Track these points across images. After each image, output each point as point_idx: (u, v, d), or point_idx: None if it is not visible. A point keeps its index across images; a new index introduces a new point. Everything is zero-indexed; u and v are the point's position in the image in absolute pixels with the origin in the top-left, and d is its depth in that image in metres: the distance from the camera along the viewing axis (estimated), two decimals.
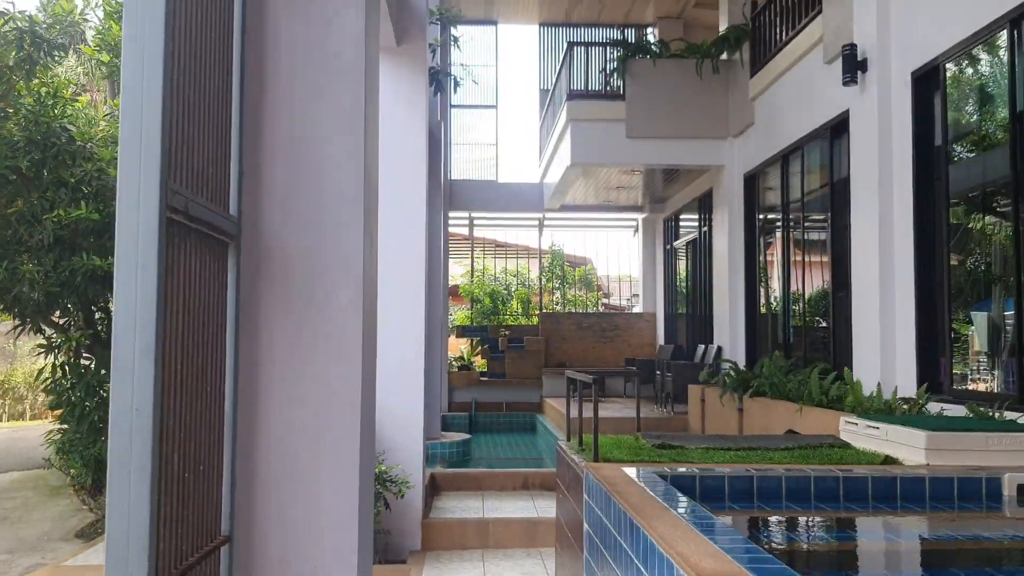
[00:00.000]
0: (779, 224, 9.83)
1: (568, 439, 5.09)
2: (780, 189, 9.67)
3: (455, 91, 11.49)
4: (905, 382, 6.39)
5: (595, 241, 17.82)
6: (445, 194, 15.12)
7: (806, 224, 9.05)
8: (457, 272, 17.96)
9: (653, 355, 15.80)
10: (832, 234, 8.16)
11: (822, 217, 8.68)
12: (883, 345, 6.77)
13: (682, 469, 3.47)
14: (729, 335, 11.05)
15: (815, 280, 8.97)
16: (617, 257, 18.02)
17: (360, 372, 2.70)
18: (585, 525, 3.58)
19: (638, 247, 16.90)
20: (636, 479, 3.25)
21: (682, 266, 14.60)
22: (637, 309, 16.76)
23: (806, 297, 9.05)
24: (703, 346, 12.10)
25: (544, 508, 7.02)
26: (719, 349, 11.39)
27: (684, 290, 14.33)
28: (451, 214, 16.09)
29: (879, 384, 6.35)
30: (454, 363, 16.01)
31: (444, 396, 15.08)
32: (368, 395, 2.87)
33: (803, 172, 8.99)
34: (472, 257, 17.59)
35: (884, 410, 5.76)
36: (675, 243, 14.71)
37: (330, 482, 2.66)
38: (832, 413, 6.45)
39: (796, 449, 3.90)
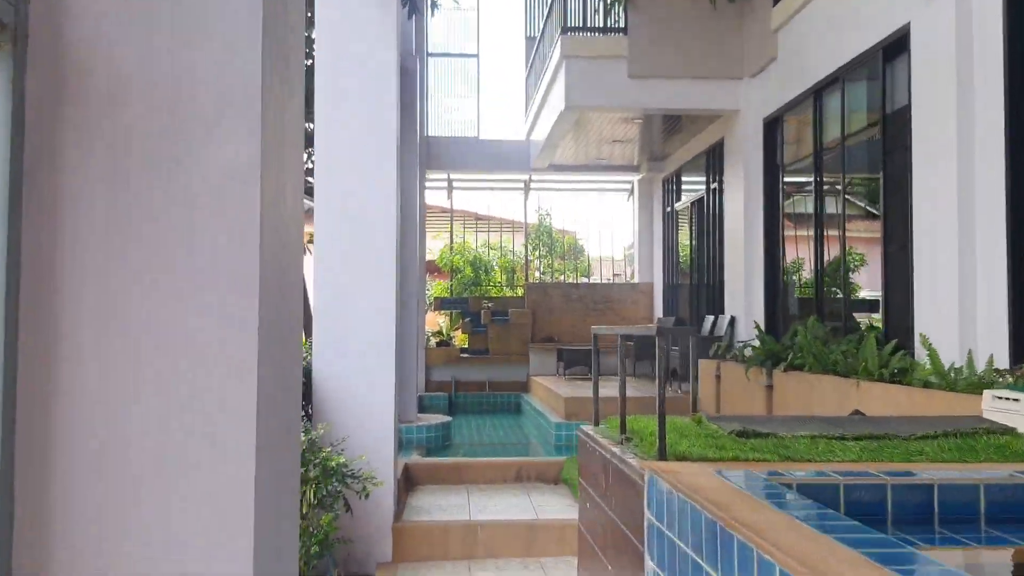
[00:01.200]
0: (809, 174, 8.62)
1: (596, 423, 3.83)
2: (811, 132, 8.45)
3: (432, 13, 10.12)
4: (993, 351, 5.21)
5: (586, 208, 16.57)
6: (421, 152, 13.80)
7: (847, 171, 7.84)
8: (435, 247, 16.66)
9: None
10: (885, 181, 6.95)
11: (868, 162, 7.47)
12: (961, 308, 5.58)
13: (802, 473, 2.24)
14: (744, 304, 9.86)
15: (858, 237, 7.77)
16: (611, 230, 16.79)
17: (256, 295, 1.43)
18: (649, 560, 2.34)
19: (633, 212, 15.67)
20: (742, 487, 2.02)
21: (685, 230, 13.39)
22: (632, 279, 15.55)
23: (845, 257, 7.86)
24: (712, 317, 10.91)
25: (543, 505, 5.80)
26: (732, 320, 10.21)
27: (687, 257, 13.13)
28: (428, 175, 14.76)
29: (969, 352, 5.16)
30: (431, 338, 14.75)
31: (420, 375, 13.83)
32: (276, 339, 1.60)
33: (843, 109, 7.77)
34: (451, 230, 16.27)
35: (982, 383, 4.57)
36: (676, 205, 13.50)
37: (197, 490, 1.41)
38: (904, 389, 5.26)
39: (949, 438, 2.68)
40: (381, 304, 5.29)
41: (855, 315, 7.81)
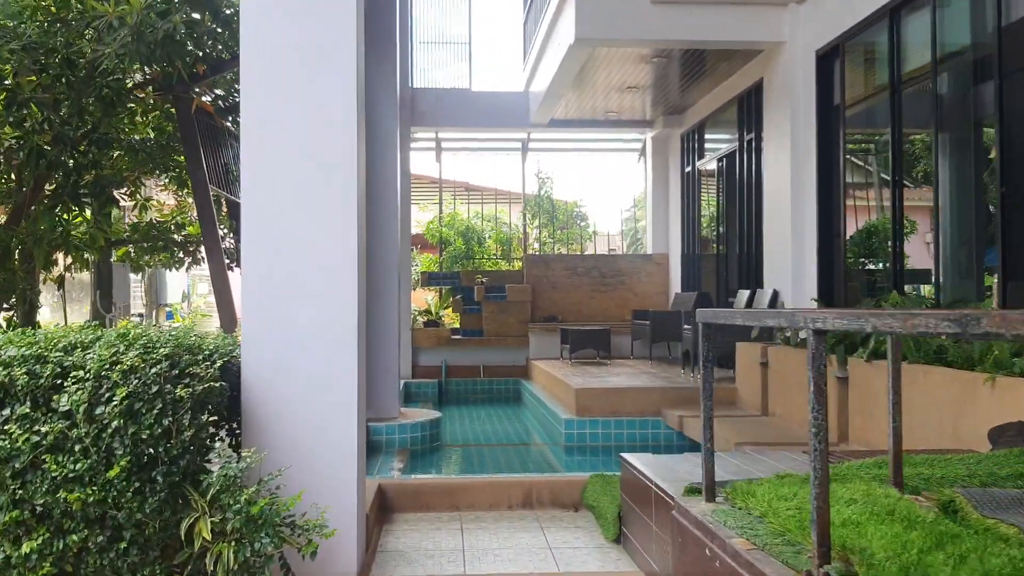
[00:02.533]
0: (883, 114, 7.10)
1: (707, 496, 2.35)
2: (886, 62, 6.93)
3: None
4: None
5: (591, 171, 15.01)
6: (405, 105, 12.24)
7: (941, 105, 6.33)
8: (423, 219, 15.10)
9: (665, 305, 13.16)
10: (1002, 114, 5.44)
11: (973, 90, 5.96)
12: None
13: None
14: (791, 275, 8.38)
15: (958, 187, 6.28)
16: (618, 196, 15.25)
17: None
18: None
19: (645, 174, 14.14)
20: None
21: (709, 193, 11.88)
22: (645, 250, 14.04)
23: (939, 213, 6.37)
24: (747, 292, 9.43)
25: (564, 547, 4.33)
26: (775, 295, 8.73)
27: (712, 224, 11.63)
28: (415, 134, 13.20)
29: None
30: (418, 318, 13.25)
31: (406, 359, 12.35)
32: None
33: (934, 27, 6.24)
34: (440, 198, 14.70)
35: None
36: (699, 164, 11.96)
37: None
38: None
39: None
40: (337, 272, 3.79)
41: (956, 288, 6.34)
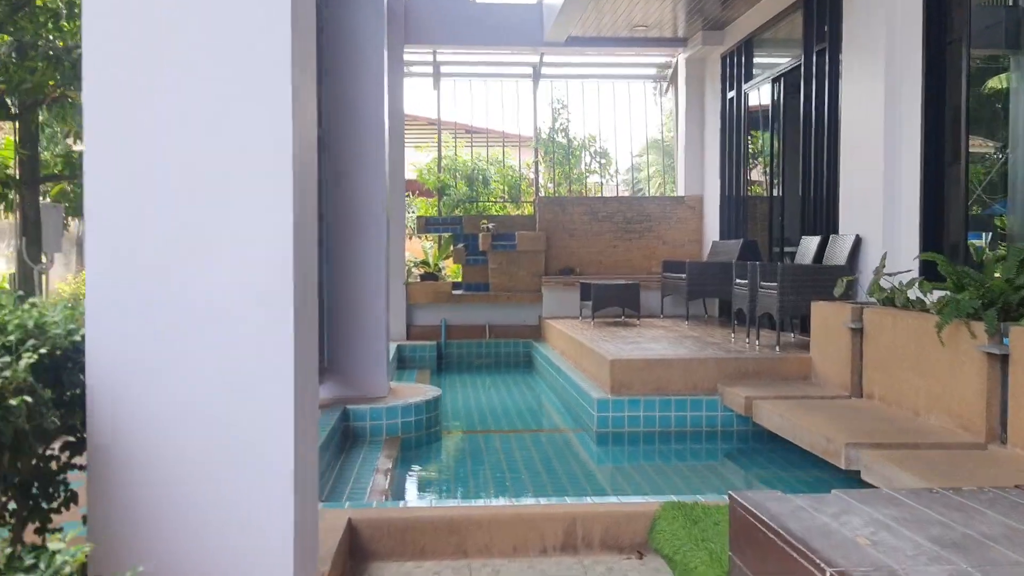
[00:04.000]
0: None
1: None
2: None
3: None
4: None
5: (613, 101, 13.26)
6: (395, 18, 10.49)
7: None
8: (422, 162, 13.37)
9: (699, 255, 11.56)
10: None
11: None
12: None
13: None
14: (883, 219, 6.77)
15: None
16: (643, 129, 13.56)
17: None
18: None
19: (677, 103, 12.42)
20: None
21: (758, 121, 10.19)
22: (678, 192, 12.38)
23: None
24: (815, 239, 7.81)
25: None
26: (857, 242, 7.12)
27: (763, 158, 9.97)
28: (408, 51, 11.45)
29: None
30: (414, 270, 11.66)
31: (399, 319, 10.80)
32: None
33: None
34: (439, 136, 12.98)
35: None
36: (746, 86, 10.24)
37: None
38: None
39: None
40: (259, 214, 2.18)
41: None
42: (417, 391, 6.67)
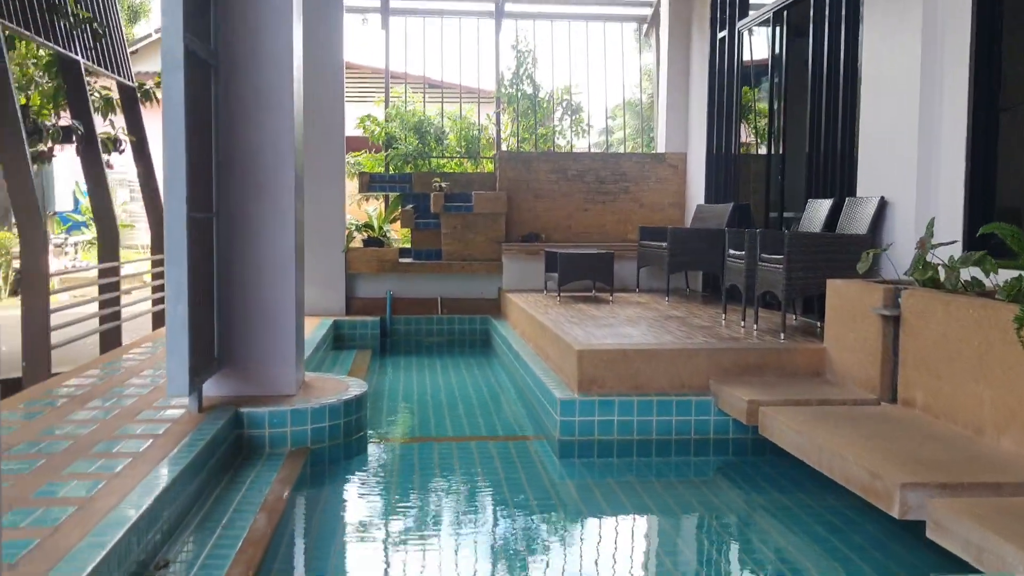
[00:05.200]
0: None
1: None
2: None
3: None
4: None
5: (584, 47, 11.92)
6: None
7: None
8: (374, 115, 11.93)
9: (681, 220, 10.37)
10: None
11: None
12: None
13: None
14: (916, 180, 5.60)
15: None
16: (620, 79, 12.25)
17: None
18: None
19: (657, 48, 11.13)
20: None
21: (756, 66, 8.95)
22: (658, 148, 11.13)
23: None
24: (827, 202, 6.63)
25: None
26: (882, 205, 5.94)
27: (762, 108, 8.76)
28: None
29: None
30: (356, 234, 10.35)
31: (337, 291, 9.55)
32: None
33: None
34: (387, 82, 11.61)
35: None
36: (740, 24, 8.98)
37: None
38: None
39: None
40: None
41: None
42: (337, 387, 5.42)
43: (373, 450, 5.23)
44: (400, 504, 4.33)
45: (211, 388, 5.00)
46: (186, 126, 4.11)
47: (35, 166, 15.56)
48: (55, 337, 6.82)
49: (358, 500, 4.49)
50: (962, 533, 2.86)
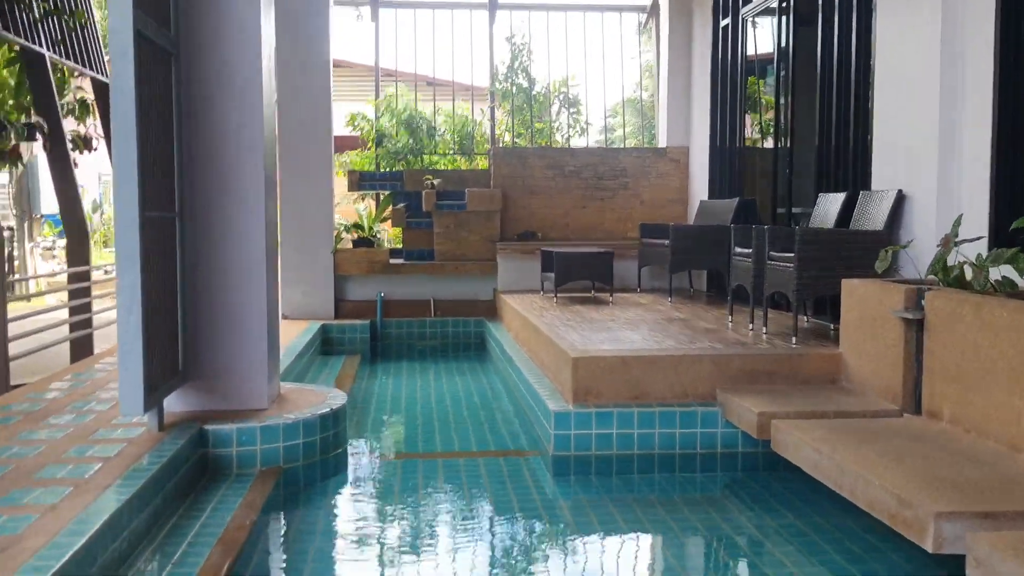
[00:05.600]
0: None
1: None
2: None
3: None
4: None
5: (580, 41, 11.53)
6: None
7: None
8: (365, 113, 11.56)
9: (684, 217, 10.01)
10: None
11: None
12: None
13: None
14: (937, 171, 5.23)
15: None
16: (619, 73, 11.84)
17: None
18: None
19: (657, 39, 10.76)
20: None
21: (761, 55, 8.58)
22: (659, 143, 10.76)
23: None
24: (840, 196, 6.25)
25: None
26: (899, 199, 5.56)
27: (767, 100, 8.38)
28: None
29: None
30: (345, 234, 9.99)
31: (325, 294, 9.21)
32: None
33: None
34: (377, 76, 11.25)
35: None
36: (744, 10, 8.60)
37: None
38: None
39: None
40: None
41: None
42: (314, 399, 5.05)
43: (352, 469, 4.87)
44: (378, 531, 3.97)
45: (175, 403, 4.65)
46: (138, 118, 3.75)
47: (10, 171, 15.13)
48: (23, 344, 6.48)
49: (332, 527, 4.12)
50: (1006, 571, 2.49)
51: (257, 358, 4.76)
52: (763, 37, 8.45)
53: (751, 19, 8.52)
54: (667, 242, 8.06)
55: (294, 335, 7.99)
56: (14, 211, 16.51)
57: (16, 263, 16.30)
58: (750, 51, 8.64)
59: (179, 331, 4.53)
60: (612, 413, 4.84)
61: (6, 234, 16.71)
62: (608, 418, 4.83)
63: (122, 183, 3.74)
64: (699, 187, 9.74)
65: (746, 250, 6.14)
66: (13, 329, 6.38)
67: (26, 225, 16.35)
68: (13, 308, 7.63)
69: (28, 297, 9.95)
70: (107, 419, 4.45)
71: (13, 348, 6.45)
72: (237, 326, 4.72)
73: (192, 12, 4.57)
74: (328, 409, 4.81)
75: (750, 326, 6.20)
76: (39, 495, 3.22)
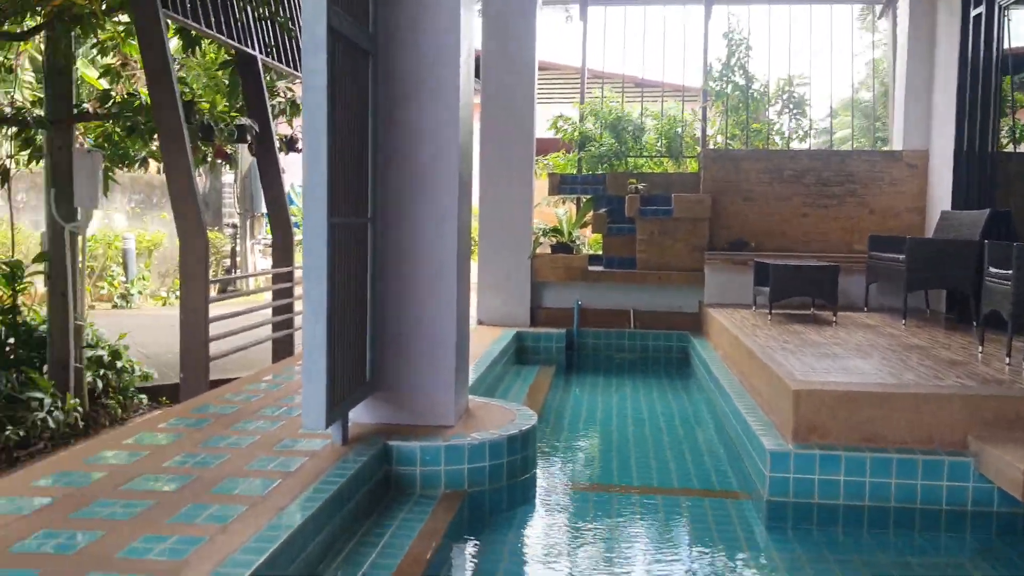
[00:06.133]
0: None
1: None
2: None
3: None
4: None
5: (806, 36, 10.67)
6: None
7: None
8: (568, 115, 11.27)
9: (921, 230, 8.99)
10: None
11: None
12: None
13: None
14: None
15: None
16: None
17: None
18: None
19: (895, 31, 9.77)
20: None
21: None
22: (893, 145, 9.77)
23: None
24: None
25: None
26: None
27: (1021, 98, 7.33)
28: None
29: None
30: (542, 239, 9.74)
31: (520, 300, 9.01)
32: None
33: None
34: (583, 77, 10.94)
35: None
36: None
37: None
38: None
39: None
40: None
41: None
42: (502, 418, 4.77)
43: (540, 497, 4.53)
44: (567, 572, 3.60)
45: (360, 414, 4.50)
46: (329, 118, 3.58)
47: (234, 172, 16.08)
48: (229, 343, 6.66)
49: (518, 561, 3.79)
50: None
51: (445, 372, 4.53)
52: (1018, 30, 7.40)
53: (1007, 8, 7.46)
54: (901, 257, 7.19)
55: (489, 342, 7.81)
56: (238, 209, 17.60)
57: (238, 259, 17.37)
58: (1005, 45, 7.58)
59: (367, 341, 4.38)
60: (840, 457, 4.22)
61: (229, 231, 17.86)
62: (835, 462, 4.22)
63: (311, 187, 3.59)
64: (940, 196, 8.70)
65: (1005, 271, 5.28)
66: (228, 325, 6.56)
67: (248, 223, 17.39)
68: (234, 304, 7.93)
69: (248, 292, 10.43)
70: (293, 427, 4.36)
71: (226, 344, 6.62)
72: (426, 337, 4.50)
73: (390, 7, 4.40)
74: (517, 431, 4.49)
75: (1007, 360, 5.32)
76: (214, 512, 3.09)
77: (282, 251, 7.45)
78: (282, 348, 7.36)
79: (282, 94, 8.36)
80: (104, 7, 6.16)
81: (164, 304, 14.36)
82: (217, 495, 3.29)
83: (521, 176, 9.11)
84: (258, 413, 4.67)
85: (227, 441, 4.07)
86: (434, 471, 4.20)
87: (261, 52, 7.06)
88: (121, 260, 14.63)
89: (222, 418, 4.54)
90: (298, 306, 7.54)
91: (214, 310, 6.08)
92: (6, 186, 6.99)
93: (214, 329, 5.90)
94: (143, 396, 7.11)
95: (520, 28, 9.09)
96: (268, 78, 7.77)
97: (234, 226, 17.64)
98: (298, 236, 8.52)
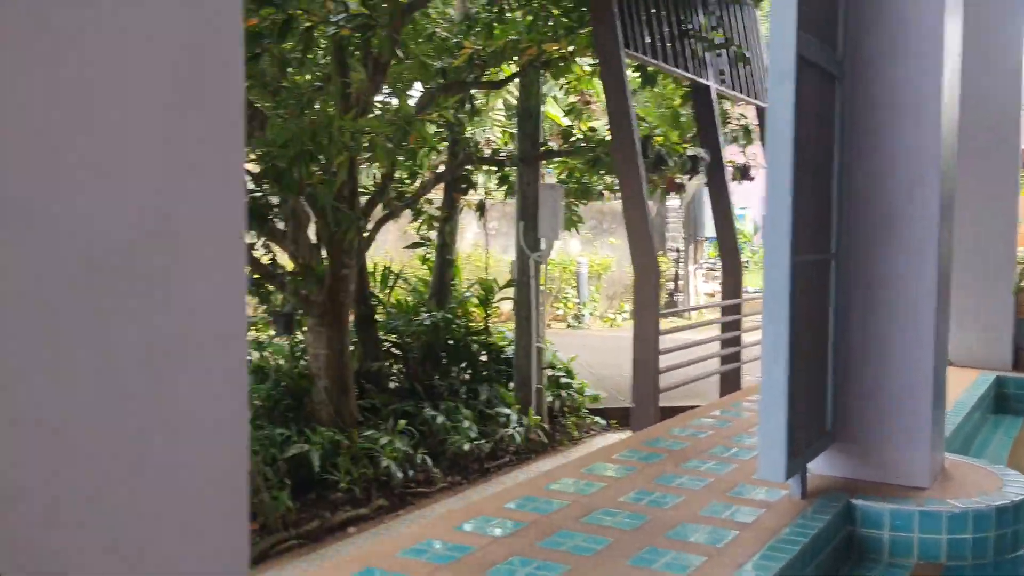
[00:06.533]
0: None
1: None
2: None
3: None
4: None
5: None
6: None
7: None
8: None
9: None
10: None
11: None
12: None
13: None
14: None
15: None
16: None
17: None
18: None
19: None
20: None
21: None
22: None
23: None
24: None
25: None
26: None
27: None
28: None
29: None
30: None
31: (1003, 338, 7.95)
32: None
33: None
34: None
35: None
36: None
37: None
38: None
39: None
40: None
41: None
42: (986, 482, 4.14)
43: None
44: None
45: (820, 464, 4.20)
46: (795, 149, 3.40)
47: (680, 197, 16.41)
48: (679, 374, 6.73)
49: None
50: None
51: (919, 425, 4.05)
52: None
53: None
54: None
55: (960, 389, 6.94)
56: (682, 234, 17.96)
57: (680, 282, 17.72)
58: None
59: (828, 385, 4.08)
60: None
61: (672, 255, 18.30)
62: None
63: (773, 223, 3.43)
64: None
65: None
66: (678, 355, 6.65)
67: (691, 248, 17.66)
68: (681, 333, 8.02)
69: (695, 325, 10.57)
70: (747, 472, 4.20)
71: (675, 375, 6.71)
72: (895, 382, 4.08)
73: (863, 30, 4.08)
74: (1008, 500, 3.87)
75: None
76: (669, 561, 3.05)
77: (731, 279, 7.37)
78: (729, 381, 7.26)
79: (735, 121, 8.30)
80: (571, 50, 6.59)
81: (611, 325, 15.10)
82: (672, 540, 3.26)
83: (1000, 193, 8.00)
84: (708, 452, 4.60)
85: (679, 480, 4.05)
86: (905, 538, 3.76)
87: (715, 81, 7.07)
88: (575, 283, 15.71)
89: (673, 454, 4.54)
90: (746, 338, 7.38)
91: (663, 341, 6.18)
92: (483, 218, 7.79)
93: (664, 360, 5.99)
94: (597, 418, 7.48)
95: (1001, 22, 8.01)
96: (721, 106, 7.76)
97: (678, 250, 18.04)
98: (745, 262, 8.37)
